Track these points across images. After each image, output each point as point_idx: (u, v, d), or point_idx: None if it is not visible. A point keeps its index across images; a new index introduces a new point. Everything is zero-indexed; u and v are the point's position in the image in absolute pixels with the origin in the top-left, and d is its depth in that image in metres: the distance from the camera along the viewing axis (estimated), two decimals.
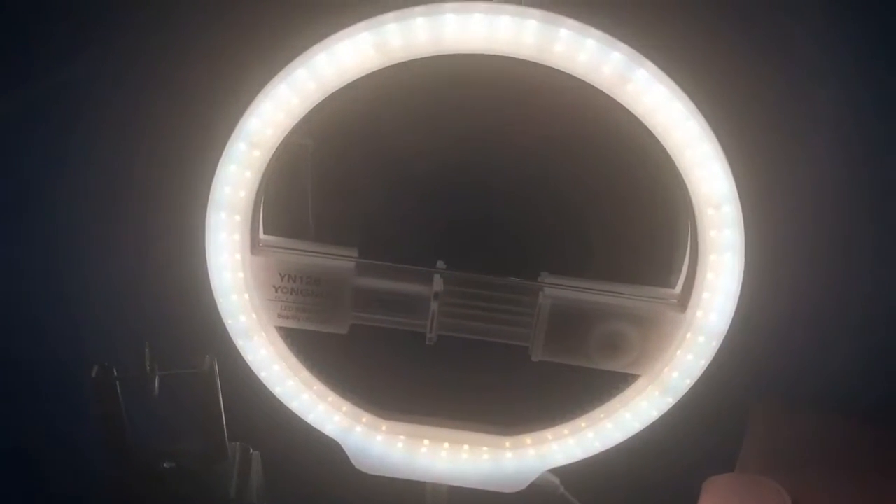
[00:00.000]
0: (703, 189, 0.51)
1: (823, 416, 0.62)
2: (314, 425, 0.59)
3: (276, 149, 0.53)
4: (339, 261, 0.56)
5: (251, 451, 0.55)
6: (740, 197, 0.51)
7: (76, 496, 0.61)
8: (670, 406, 0.57)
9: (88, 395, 0.47)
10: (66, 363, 0.56)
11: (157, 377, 0.47)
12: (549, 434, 0.59)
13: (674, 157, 0.51)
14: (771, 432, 0.62)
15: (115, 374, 0.47)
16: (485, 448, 0.60)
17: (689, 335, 0.55)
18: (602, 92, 0.49)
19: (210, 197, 0.52)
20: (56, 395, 0.65)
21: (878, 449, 0.60)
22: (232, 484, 0.52)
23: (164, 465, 0.50)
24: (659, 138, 0.50)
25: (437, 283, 0.56)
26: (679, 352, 0.56)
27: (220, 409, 0.51)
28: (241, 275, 0.55)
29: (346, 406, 0.59)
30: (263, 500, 0.55)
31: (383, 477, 0.59)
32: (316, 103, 0.50)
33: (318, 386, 0.59)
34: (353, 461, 0.59)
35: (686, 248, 0.55)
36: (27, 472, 0.68)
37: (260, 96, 0.51)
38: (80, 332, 0.60)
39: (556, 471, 0.61)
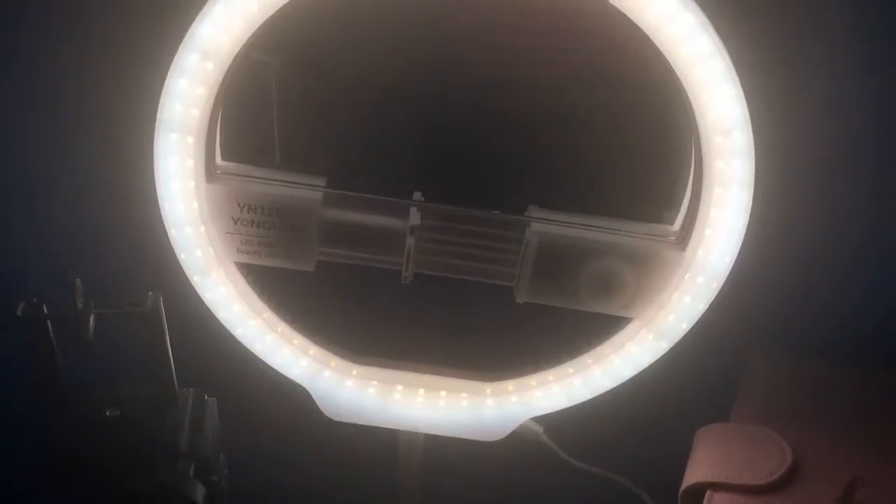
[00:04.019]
0: (711, 113, 0.46)
1: (825, 366, 0.58)
2: (279, 370, 0.55)
3: (234, 63, 0.47)
4: (306, 190, 0.51)
5: (206, 397, 0.50)
6: (752, 124, 0.46)
7: (8, 450, 0.57)
8: (664, 352, 0.53)
9: (18, 336, 0.42)
10: None
11: (91, 316, 0.42)
12: (532, 380, 0.56)
13: (681, 77, 0.46)
14: (769, 382, 0.58)
15: (45, 311, 0.42)
16: (463, 394, 0.56)
17: (687, 276, 0.51)
18: (602, 1, 0.44)
19: (158, 116, 0.47)
20: None
21: (883, 401, 0.57)
22: (183, 433, 0.47)
23: (107, 413, 0.45)
24: (665, 56, 0.45)
25: (414, 216, 0.51)
26: (676, 294, 0.52)
27: (168, 351, 0.46)
28: (195, 205, 0.50)
29: (313, 349, 0.56)
30: (219, 451, 0.51)
31: (354, 425, 0.56)
32: (276, 8, 0.44)
33: (283, 328, 0.55)
34: (321, 408, 0.56)
35: (687, 181, 0.51)
36: None
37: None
38: (7, 267, 0.54)
39: (539, 419, 0.59)
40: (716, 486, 0.51)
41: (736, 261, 0.50)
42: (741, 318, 0.58)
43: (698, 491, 0.52)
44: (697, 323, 0.52)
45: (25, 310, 0.41)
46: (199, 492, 0.46)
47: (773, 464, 0.52)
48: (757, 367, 0.59)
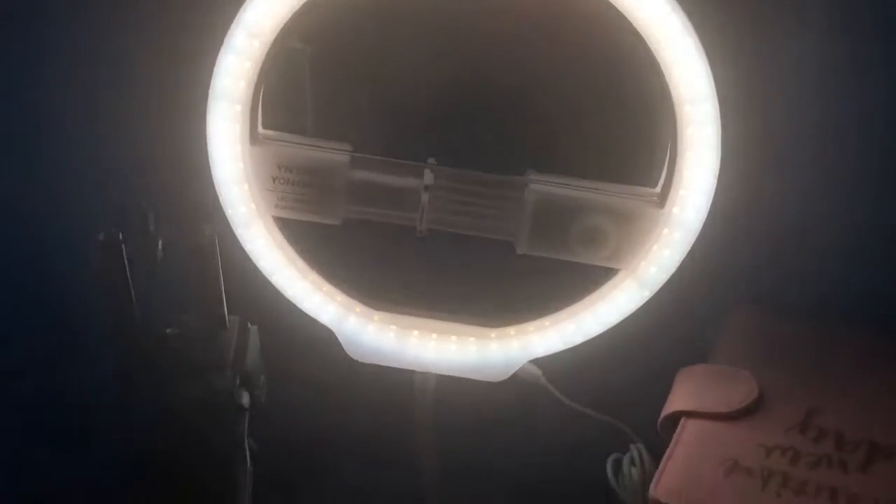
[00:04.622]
0: (682, 86, 0.54)
1: (793, 320, 0.65)
2: (310, 314, 0.61)
3: (273, 47, 0.55)
4: (335, 154, 0.58)
5: (249, 325, 0.58)
6: (720, 95, 0.53)
7: (83, 361, 0.65)
8: (646, 299, 0.60)
9: (94, 260, 0.50)
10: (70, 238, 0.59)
11: (160, 242, 0.50)
12: (531, 326, 0.62)
13: (655, 54, 0.53)
14: (743, 334, 0.65)
15: (121, 237, 0.50)
16: (471, 339, 0.62)
17: (665, 231, 0.58)
18: None
19: (211, 87, 0.55)
20: (64, 264, 0.68)
21: (844, 349, 0.64)
22: (230, 351, 0.55)
23: (168, 331, 0.54)
24: (642, 34, 0.52)
25: (428, 177, 0.58)
26: (656, 247, 0.59)
27: (220, 280, 0.54)
28: (240, 165, 0.58)
29: (340, 296, 0.62)
30: (261, 372, 0.59)
31: (375, 365, 0.62)
32: None
33: (314, 276, 0.62)
34: (346, 349, 0.62)
35: (667, 147, 0.57)
36: (40, 339, 0.72)
37: None
38: (84, 210, 0.63)
39: (538, 363, 0.64)
40: (689, 414, 0.58)
41: (713, 218, 0.57)
42: (720, 272, 0.65)
43: (674, 419, 0.59)
44: (678, 275, 0.59)
45: (105, 237, 0.50)
46: (244, 398, 0.54)
47: (741, 395, 0.58)
48: (732, 322, 0.66)
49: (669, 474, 0.54)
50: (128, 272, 0.51)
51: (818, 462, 0.54)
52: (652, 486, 0.53)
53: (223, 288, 0.55)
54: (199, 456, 0.53)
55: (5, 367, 0.70)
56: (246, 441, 0.55)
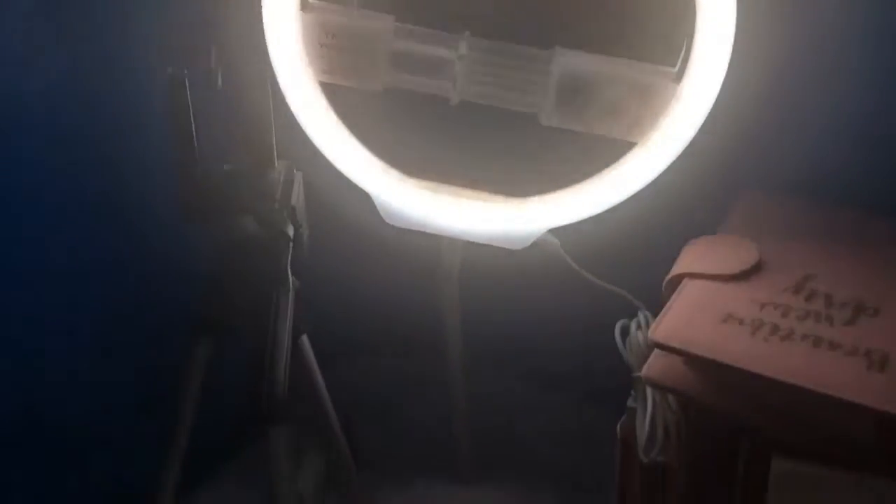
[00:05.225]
0: None
1: (802, 203, 0.69)
2: (349, 177, 0.67)
3: None
4: (380, 22, 0.63)
5: (295, 170, 0.64)
6: None
7: (146, 190, 0.71)
8: (660, 172, 0.64)
9: (161, 95, 0.56)
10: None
11: (219, 72, 0.56)
12: (552, 196, 0.67)
13: None
14: (751, 212, 0.69)
15: (185, 72, 0.56)
16: (496, 208, 0.67)
17: (680, 107, 0.62)
18: None
19: None
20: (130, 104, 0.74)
21: (842, 228, 0.68)
22: (278, 188, 0.61)
23: (225, 166, 0.60)
24: None
25: (463, 47, 0.63)
26: (671, 121, 0.63)
27: (270, 117, 0.60)
28: (292, 31, 0.63)
29: (378, 163, 0.67)
30: (303, 211, 0.65)
31: (406, 230, 0.67)
32: None
33: (355, 143, 0.67)
34: (381, 213, 0.67)
35: (686, 33, 0.61)
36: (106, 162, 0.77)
37: None
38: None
39: (556, 233, 0.69)
40: (692, 276, 0.63)
41: (723, 105, 0.61)
42: (730, 155, 0.69)
43: (678, 281, 0.64)
44: (690, 155, 0.63)
45: (172, 72, 0.56)
46: (290, 228, 0.60)
47: (741, 260, 0.63)
48: (740, 203, 0.70)
49: (668, 320, 0.59)
50: (190, 106, 0.57)
51: (806, 316, 0.58)
52: (651, 329, 0.58)
53: (273, 129, 0.60)
54: (250, 278, 0.59)
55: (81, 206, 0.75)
56: (289, 271, 0.61)
